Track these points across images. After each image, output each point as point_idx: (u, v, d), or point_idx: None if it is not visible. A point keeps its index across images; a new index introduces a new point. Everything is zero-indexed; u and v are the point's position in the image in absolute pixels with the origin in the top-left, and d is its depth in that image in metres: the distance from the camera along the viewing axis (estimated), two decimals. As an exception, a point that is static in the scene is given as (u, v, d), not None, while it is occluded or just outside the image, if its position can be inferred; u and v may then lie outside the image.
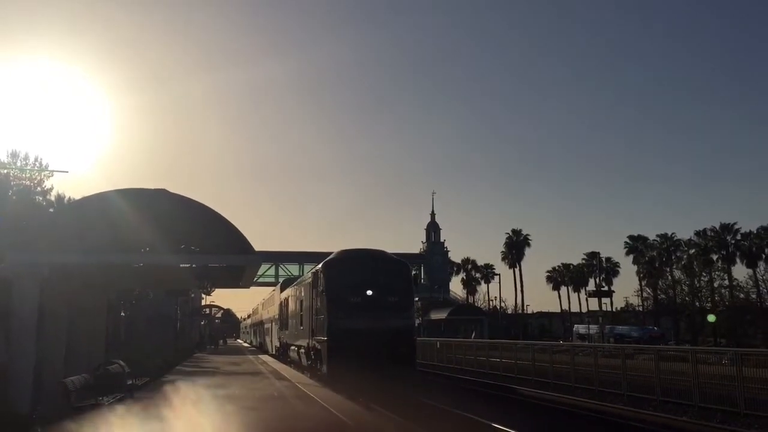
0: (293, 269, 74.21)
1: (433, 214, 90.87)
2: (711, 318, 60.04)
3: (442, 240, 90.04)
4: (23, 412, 15.03)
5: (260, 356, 42.83)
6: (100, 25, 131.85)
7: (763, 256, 69.41)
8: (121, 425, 13.18)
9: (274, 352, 40.56)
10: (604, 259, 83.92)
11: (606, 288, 69.91)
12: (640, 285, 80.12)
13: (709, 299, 69.09)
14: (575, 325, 70.38)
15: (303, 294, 25.76)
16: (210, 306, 72.28)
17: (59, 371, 18.47)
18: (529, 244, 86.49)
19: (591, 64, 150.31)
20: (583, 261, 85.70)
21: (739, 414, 15.63)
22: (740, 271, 71.82)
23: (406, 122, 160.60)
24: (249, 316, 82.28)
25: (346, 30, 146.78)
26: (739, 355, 16.65)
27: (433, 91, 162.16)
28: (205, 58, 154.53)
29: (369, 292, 20.73)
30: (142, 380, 22.91)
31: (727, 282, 70.56)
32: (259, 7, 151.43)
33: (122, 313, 42.28)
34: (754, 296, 68.27)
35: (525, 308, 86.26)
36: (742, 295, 69.00)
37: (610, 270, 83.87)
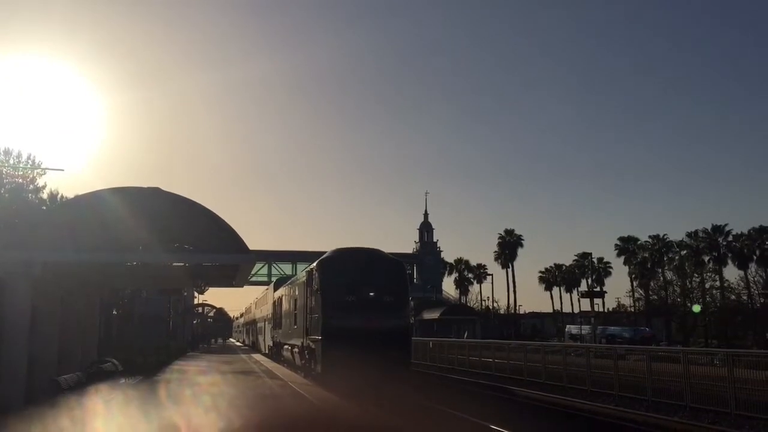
0: (286, 268, 74.10)
1: (426, 214, 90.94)
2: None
3: (435, 240, 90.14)
4: (16, 409, 15.00)
5: (253, 355, 42.77)
6: (96, 22, 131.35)
7: (754, 257, 69.92)
8: (112, 422, 13.17)
9: (267, 352, 40.51)
10: (596, 260, 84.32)
11: (598, 289, 70.24)
12: (632, 286, 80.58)
13: (700, 300, 69.51)
14: (567, 326, 70.59)
15: (297, 293, 25.71)
16: (202, 305, 72.18)
17: (52, 369, 18.44)
18: (521, 245, 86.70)
19: (584, 64, 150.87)
20: (575, 262, 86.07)
21: (730, 414, 15.74)
22: (731, 273, 72.41)
23: (400, 121, 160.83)
24: (242, 315, 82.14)
25: (341, 29, 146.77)
26: (730, 356, 16.75)
27: (426, 90, 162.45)
28: (199, 56, 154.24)
29: (364, 292, 20.68)
30: (135, 378, 22.87)
31: (718, 283, 71.10)
32: (256, 5, 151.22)
33: (114, 312, 42.28)
34: (745, 297, 68.81)
35: (517, 308, 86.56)
36: (733, 297, 69.52)
37: (602, 271, 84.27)
